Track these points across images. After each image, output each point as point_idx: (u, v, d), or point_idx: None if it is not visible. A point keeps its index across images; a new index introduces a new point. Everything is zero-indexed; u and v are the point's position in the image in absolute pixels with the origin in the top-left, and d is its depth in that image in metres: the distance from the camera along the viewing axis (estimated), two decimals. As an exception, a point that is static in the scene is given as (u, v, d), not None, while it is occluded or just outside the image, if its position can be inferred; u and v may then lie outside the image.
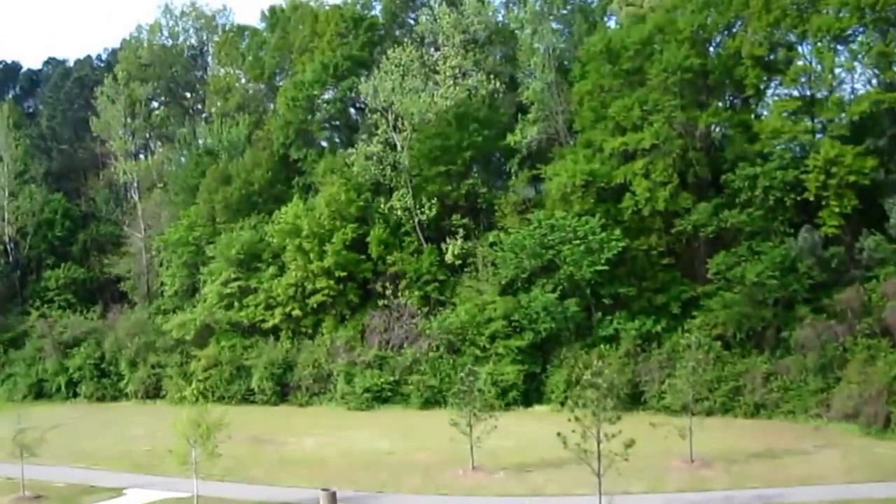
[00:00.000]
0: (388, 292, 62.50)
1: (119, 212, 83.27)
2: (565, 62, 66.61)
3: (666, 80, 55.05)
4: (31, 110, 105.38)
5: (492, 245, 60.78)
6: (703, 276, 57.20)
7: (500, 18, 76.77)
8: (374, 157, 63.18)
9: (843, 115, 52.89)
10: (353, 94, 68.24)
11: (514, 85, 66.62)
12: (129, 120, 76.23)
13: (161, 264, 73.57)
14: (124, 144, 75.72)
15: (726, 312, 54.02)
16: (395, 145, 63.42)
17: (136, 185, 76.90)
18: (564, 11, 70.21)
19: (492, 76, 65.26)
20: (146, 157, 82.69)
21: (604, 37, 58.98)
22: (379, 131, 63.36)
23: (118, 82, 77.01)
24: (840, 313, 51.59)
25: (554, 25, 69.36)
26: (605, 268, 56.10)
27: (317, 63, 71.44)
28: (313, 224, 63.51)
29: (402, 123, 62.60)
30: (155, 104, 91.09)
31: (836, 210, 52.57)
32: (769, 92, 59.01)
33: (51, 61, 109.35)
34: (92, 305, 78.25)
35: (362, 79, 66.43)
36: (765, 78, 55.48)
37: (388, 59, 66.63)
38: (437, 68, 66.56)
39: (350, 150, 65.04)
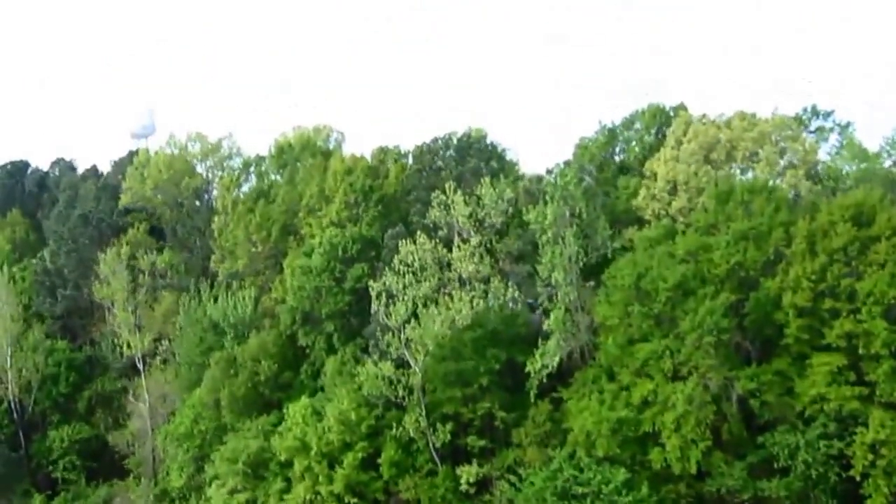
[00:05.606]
0: (401, 519, 59.62)
1: (123, 361, 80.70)
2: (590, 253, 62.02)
3: (700, 338, 50.70)
4: (37, 213, 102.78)
5: (509, 479, 57.24)
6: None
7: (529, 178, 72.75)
8: (386, 379, 59.49)
9: None
10: (362, 285, 64.33)
11: (533, 283, 62.42)
12: (131, 294, 72.80)
13: (165, 450, 70.85)
14: (128, 317, 72.45)
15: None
16: (407, 363, 59.67)
17: (140, 356, 73.68)
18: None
19: (510, 284, 61.16)
20: (152, 307, 79.23)
21: (633, 271, 54.35)
22: (391, 349, 59.57)
23: (121, 257, 73.51)
24: None
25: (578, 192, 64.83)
26: (632, 528, 52.67)
27: (325, 241, 67.63)
28: (321, 443, 60.28)
29: (416, 347, 58.81)
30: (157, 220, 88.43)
31: (885, 489, 48.46)
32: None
33: (59, 162, 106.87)
34: (97, 468, 76.70)
35: (372, 282, 62.44)
36: (806, 336, 50.72)
37: (398, 255, 62.72)
38: (452, 266, 62.63)
39: (359, 368, 61.22)
